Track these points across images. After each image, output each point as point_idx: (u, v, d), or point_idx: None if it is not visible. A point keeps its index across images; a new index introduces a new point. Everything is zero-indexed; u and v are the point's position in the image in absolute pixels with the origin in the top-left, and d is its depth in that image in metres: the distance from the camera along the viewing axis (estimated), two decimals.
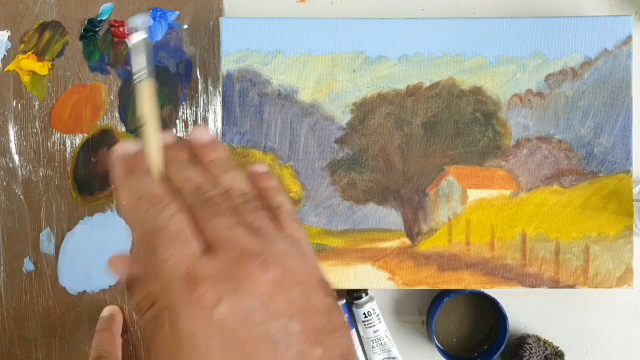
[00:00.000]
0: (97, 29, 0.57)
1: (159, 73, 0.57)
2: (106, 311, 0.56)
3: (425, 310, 0.58)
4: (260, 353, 0.31)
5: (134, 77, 0.36)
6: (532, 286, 0.53)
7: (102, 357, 0.52)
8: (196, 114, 0.57)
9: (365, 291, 0.55)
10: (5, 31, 0.57)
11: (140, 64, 0.36)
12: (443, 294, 0.55)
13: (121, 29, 0.57)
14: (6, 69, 0.57)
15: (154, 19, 0.57)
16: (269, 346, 0.31)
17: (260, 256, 0.33)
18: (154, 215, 0.35)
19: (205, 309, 0.31)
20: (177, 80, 0.56)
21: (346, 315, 0.55)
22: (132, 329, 0.56)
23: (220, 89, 0.54)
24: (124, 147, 0.36)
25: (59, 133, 0.57)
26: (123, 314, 0.56)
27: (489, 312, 0.56)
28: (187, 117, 0.57)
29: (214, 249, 0.34)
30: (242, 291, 0.31)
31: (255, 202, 0.37)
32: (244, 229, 0.35)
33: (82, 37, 0.57)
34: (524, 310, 0.57)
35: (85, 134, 0.57)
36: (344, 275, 0.53)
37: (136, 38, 0.36)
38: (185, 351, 0.31)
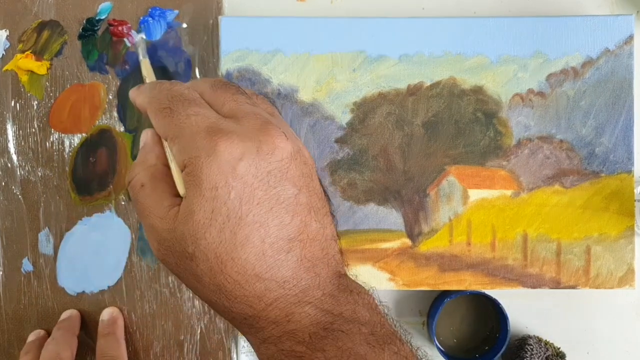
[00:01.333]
0: (95, 28, 0.56)
1: (158, 72, 0.56)
2: (106, 314, 0.55)
3: (426, 311, 0.58)
4: (271, 214, 0.32)
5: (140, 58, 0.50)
6: (534, 287, 0.53)
7: None
8: None
9: None
10: (3, 30, 0.57)
11: (141, 53, 0.51)
12: (444, 294, 0.54)
13: (120, 28, 0.56)
14: (4, 69, 0.57)
15: (152, 17, 0.56)
16: (280, 209, 0.32)
17: (281, 128, 0.35)
18: (171, 87, 0.36)
19: (229, 162, 0.32)
20: (176, 79, 0.56)
21: None
22: (131, 330, 0.56)
23: None
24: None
25: (57, 133, 0.57)
26: (122, 315, 0.56)
27: (489, 313, 0.56)
28: None
29: (235, 117, 0.35)
30: (264, 152, 0.33)
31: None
32: (262, 109, 0.37)
33: (80, 37, 0.57)
34: (525, 311, 0.57)
35: (84, 134, 0.57)
36: None
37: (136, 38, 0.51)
38: (204, 200, 0.32)
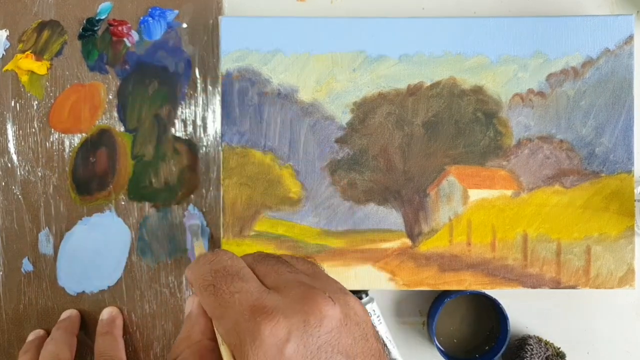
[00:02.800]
0: (95, 28, 0.56)
1: (158, 72, 0.56)
2: (106, 313, 0.55)
3: (426, 311, 0.57)
4: None
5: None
6: (534, 287, 0.53)
7: None
8: (195, 114, 0.56)
9: (366, 292, 0.55)
10: (3, 30, 0.57)
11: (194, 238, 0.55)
12: (444, 295, 0.54)
13: (120, 28, 0.56)
14: (4, 69, 0.57)
15: (152, 17, 0.56)
16: None
17: (326, 292, 0.32)
18: (213, 260, 0.34)
19: (276, 345, 0.30)
20: (176, 79, 0.56)
21: None
22: (131, 330, 0.56)
23: (219, 89, 0.54)
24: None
25: (57, 133, 0.57)
26: (122, 315, 0.56)
27: (490, 313, 0.56)
28: (186, 117, 0.56)
29: (278, 289, 0.33)
30: (311, 326, 0.31)
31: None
32: (303, 274, 0.35)
33: (80, 37, 0.56)
34: (525, 311, 0.57)
35: (84, 134, 0.56)
36: (344, 276, 0.53)
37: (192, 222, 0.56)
38: None
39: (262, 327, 0.30)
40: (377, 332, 0.34)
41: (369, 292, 0.55)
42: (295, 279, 0.34)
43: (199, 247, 0.51)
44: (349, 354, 0.31)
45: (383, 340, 0.35)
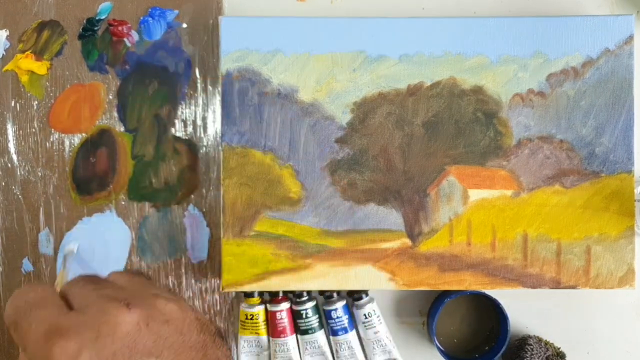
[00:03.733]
0: (95, 28, 0.56)
1: (158, 72, 0.56)
2: None
3: (426, 311, 0.57)
4: None
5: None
6: (534, 287, 0.53)
7: None
8: (195, 114, 0.56)
9: (366, 292, 0.55)
10: (3, 30, 0.57)
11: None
12: (444, 294, 0.54)
13: (120, 28, 0.56)
14: (4, 69, 0.57)
15: (152, 17, 0.56)
16: None
17: (126, 300, 0.34)
18: (18, 295, 0.35)
19: None
20: (176, 79, 0.56)
21: (347, 316, 0.55)
22: None
23: (219, 89, 0.54)
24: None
25: (57, 133, 0.57)
26: None
27: (490, 313, 0.56)
28: (186, 117, 0.56)
29: (80, 308, 0.35)
30: (104, 336, 0.32)
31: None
32: (113, 289, 0.36)
33: (80, 37, 0.56)
34: (525, 311, 0.57)
35: (84, 134, 0.56)
36: (344, 276, 0.53)
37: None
38: None
39: (53, 348, 0.31)
40: (205, 325, 0.36)
41: (369, 292, 0.55)
42: (99, 295, 0.35)
43: (60, 276, 0.50)
44: (151, 352, 0.32)
45: (219, 331, 0.36)
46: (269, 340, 0.55)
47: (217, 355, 0.35)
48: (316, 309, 0.55)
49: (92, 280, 0.37)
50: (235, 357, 0.56)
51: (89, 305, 0.34)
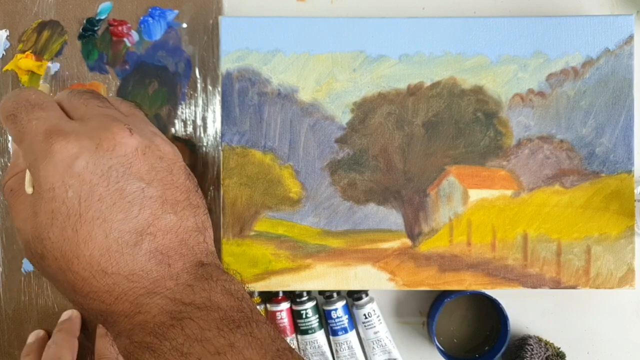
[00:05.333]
0: (95, 28, 0.56)
1: (158, 72, 0.56)
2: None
3: (426, 311, 0.57)
4: (115, 209, 0.33)
5: None
6: (534, 287, 0.53)
7: None
8: (195, 114, 0.56)
9: (366, 292, 0.55)
10: (3, 30, 0.57)
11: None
12: (444, 295, 0.54)
13: (120, 28, 0.56)
14: (4, 69, 0.57)
15: (152, 17, 0.56)
16: (124, 203, 0.33)
17: (129, 124, 0.35)
18: (19, 93, 0.36)
19: (65, 161, 0.32)
20: (176, 79, 0.56)
21: (347, 316, 0.55)
22: None
23: (219, 89, 0.54)
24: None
25: None
26: None
27: (490, 313, 0.56)
28: (186, 117, 0.56)
29: (82, 119, 0.36)
30: (103, 149, 0.33)
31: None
32: (116, 111, 0.37)
33: (80, 37, 0.56)
34: (525, 311, 0.57)
35: None
36: (344, 276, 0.53)
37: None
38: (43, 202, 0.33)
39: (53, 145, 0.32)
40: (191, 175, 0.37)
41: (369, 292, 0.55)
42: (103, 112, 0.36)
43: (43, 87, 0.50)
44: (142, 178, 0.34)
45: (195, 185, 0.38)
46: None
47: (197, 202, 0.37)
48: (316, 309, 0.55)
49: (96, 95, 0.38)
50: None
51: (92, 118, 0.35)
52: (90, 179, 0.32)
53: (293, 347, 0.42)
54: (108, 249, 0.32)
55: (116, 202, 0.33)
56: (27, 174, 0.35)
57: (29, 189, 0.35)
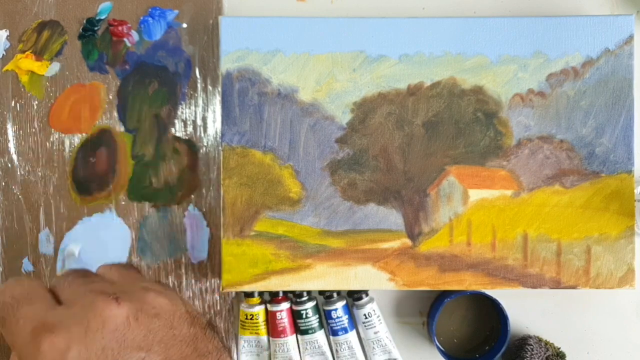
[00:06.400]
0: (95, 28, 0.56)
1: (158, 72, 0.56)
2: None
3: (426, 311, 0.57)
4: None
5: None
6: (534, 287, 0.53)
7: None
8: (195, 114, 0.56)
9: (366, 292, 0.55)
10: (3, 30, 0.57)
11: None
12: (444, 295, 0.54)
13: (120, 28, 0.56)
14: (5, 69, 0.57)
15: (152, 17, 0.56)
16: None
17: (115, 294, 0.34)
18: (3, 292, 0.35)
19: (56, 358, 0.31)
20: (176, 79, 0.56)
21: (347, 316, 0.55)
22: None
23: (219, 89, 0.54)
24: None
25: (57, 133, 0.57)
26: None
27: (490, 313, 0.56)
28: (186, 117, 0.56)
29: (69, 303, 0.35)
30: (92, 331, 0.32)
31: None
32: (102, 283, 0.36)
33: (80, 37, 0.56)
34: (525, 311, 0.57)
35: (83, 134, 0.56)
36: (344, 276, 0.53)
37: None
38: None
39: (41, 344, 0.31)
40: (196, 318, 0.36)
41: (369, 292, 0.55)
42: (88, 289, 0.35)
43: (68, 252, 0.51)
44: (141, 347, 0.32)
45: (210, 323, 0.36)
46: (269, 340, 0.55)
47: (207, 348, 0.35)
48: (316, 309, 0.55)
49: (81, 274, 0.37)
50: (235, 357, 0.56)
51: (77, 299, 0.34)
52: None
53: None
54: None
55: None
56: None
57: None
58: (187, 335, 0.35)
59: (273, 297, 0.55)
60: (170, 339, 0.34)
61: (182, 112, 0.56)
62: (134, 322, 0.33)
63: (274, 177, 0.53)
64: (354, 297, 0.55)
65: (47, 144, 0.57)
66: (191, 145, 0.56)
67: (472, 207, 0.53)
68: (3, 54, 0.57)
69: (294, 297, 0.55)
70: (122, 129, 0.56)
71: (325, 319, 0.55)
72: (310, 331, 0.55)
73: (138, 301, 0.34)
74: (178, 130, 0.56)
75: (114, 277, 0.38)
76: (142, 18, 0.56)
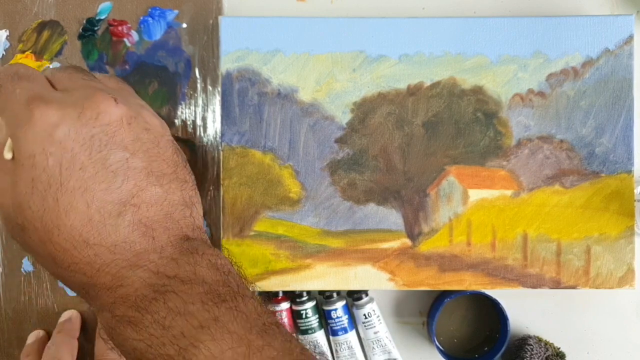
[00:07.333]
0: (95, 28, 0.56)
1: (158, 72, 0.56)
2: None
3: (426, 311, 0.57)
4: (97, 178, 0.32)
5: None
6: (534, 287, 0.53)
7: None
8: (195, 114, 0.56)
9: (366, 292, 0.55)
10: (3, 30, 0.57)
11: None
12: (444, 295, 0.54)
13: (120, 28, 0.56)
14: None
15: (152, 17, 0.56)
16: (107, 173, 0.32)
17: (114, 95, 0.34)
18: (8, 66, 0.36)
19: (46, 129, 0.31)
20: (175, 79, 0.56)
21: (347, 316, 0.55)
22: None
23: (219, 89, 0.54)
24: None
25: None
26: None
27: (489, 313, 0.56)
28: (186, 117, 0.56)
29: (66, 90, 0.35)
30: (86, 117, 0.32)
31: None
32: (101, 84, 0.37)
33: (80, 37, 0.56)
34: (525, 311, 0.57)
35: None
36: (344, 276, 0.53)
37: None
38: (23, 170, 0.32)
39: (34, 112, 0.32)
40: (179, 150, 0.37)
41: (368, 292, 0.55)
42: (87, 84, 0.35)
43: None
44: (127, 148, 0.33)
45: (183, 160, 0.37)
46: None
47: (185, 177, 0.36)
48: (316, 309, 0.55)
49: (80, 69, 0.37)
50: None
51: (75, 90, 0.34)
52: (72, 147, 0.31)
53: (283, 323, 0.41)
54: (90, 219, 0.31)
55: (99, 172, 0.32)
56: (8, 140, 0.34)
57: (7, 154, 0.33)
58: (170, 159, 0.35)
59: (273, 297, 0.55)
60: (155, 155, 0.34)
61: (182, 112, 0.56)
62: (127, 125, 0.33)
63: (274, 177, 0.53)
64: (353, 297, 0.55)
65: None
66: (191, 145, 0.56)
67: (472, 207, 0.53)
68: (3, 54, 0.57)
69: (294, 297, 0.55)
70: None
71: (325, 319, 0.55)
72: (310, 331, 0.55)
73: (134, 110, 0.35)
74: (178, 130, 0.56)
75: (113, 86, 0.39)
76: (142, 18, 0.56)
